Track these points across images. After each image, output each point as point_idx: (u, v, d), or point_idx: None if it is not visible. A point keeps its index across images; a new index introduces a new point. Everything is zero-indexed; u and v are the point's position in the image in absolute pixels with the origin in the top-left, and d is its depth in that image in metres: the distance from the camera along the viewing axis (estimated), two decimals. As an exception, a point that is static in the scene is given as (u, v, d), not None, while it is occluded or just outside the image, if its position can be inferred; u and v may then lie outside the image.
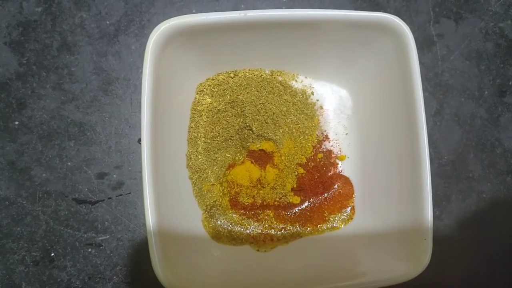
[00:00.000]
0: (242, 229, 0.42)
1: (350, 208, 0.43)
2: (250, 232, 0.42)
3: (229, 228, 0.42)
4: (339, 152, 0.45)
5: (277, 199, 0.42)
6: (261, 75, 0.43)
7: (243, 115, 0.41)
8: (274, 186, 0.42)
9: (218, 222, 0.42)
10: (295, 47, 0.41)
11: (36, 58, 0.44)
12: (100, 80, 0.45)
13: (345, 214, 0.43)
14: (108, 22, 0.45)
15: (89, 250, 0.43)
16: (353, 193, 0.44)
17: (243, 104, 0.41)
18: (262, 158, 0.42)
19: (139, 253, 0.43)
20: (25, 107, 0.44)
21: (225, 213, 0.42)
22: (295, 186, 0.43)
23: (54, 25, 0.45)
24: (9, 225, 0.42)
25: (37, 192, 0.43)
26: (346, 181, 0.44)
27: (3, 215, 0.42)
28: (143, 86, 0.34)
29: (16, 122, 0.43)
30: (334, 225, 0.43)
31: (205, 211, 0.42)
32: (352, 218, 0.43)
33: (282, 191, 0.42)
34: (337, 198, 0.43)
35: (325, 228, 0.43)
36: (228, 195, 0.42)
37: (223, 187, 0.42)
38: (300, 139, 0.42)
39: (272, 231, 0.43)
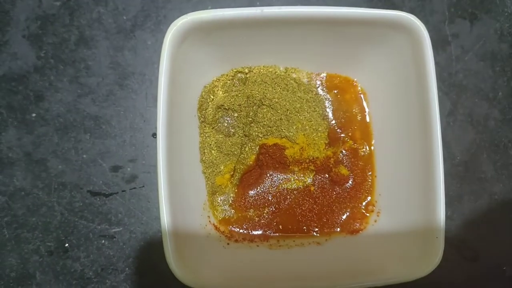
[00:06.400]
0: (253, 226, 0.43)
1: (363, 206, 0.43)
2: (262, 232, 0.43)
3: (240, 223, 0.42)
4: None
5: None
6: (276, 71, 0.43)
7: (257, 111, 0.41)
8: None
9: (230, 217, 0.42)
10: (309, 45, 0.41)
11: (54, 52, 0.45)
12: (116, 74, 0.45)
13: (357, 213, 0.43)
14: (125, 17, 0.46)
15: (103, 241, 0.43)
16: (366, 192, 0.44)
17: (257, 100, 0.41)
18: (275, 154, 0.42)
19: (152, 246, 0.44)
20: (43, 99, 0.44)
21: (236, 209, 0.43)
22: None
23: (72, 20, 0.45)
24: (24, 215, 0.43)
25: (53, 183, 0.44)
26: (359, 179, 0.44)
27: (19, 206, 0.43)
28: (159, 81, 0.34)
29: (33, 114, 0.44)
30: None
31: (217, 205, 0.42)
32: (366, 218, 0.43)
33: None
34: (349, 196, 0.43)
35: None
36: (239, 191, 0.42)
37: (235, 182, 0.43)
38: (313, 136, 0.43)
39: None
